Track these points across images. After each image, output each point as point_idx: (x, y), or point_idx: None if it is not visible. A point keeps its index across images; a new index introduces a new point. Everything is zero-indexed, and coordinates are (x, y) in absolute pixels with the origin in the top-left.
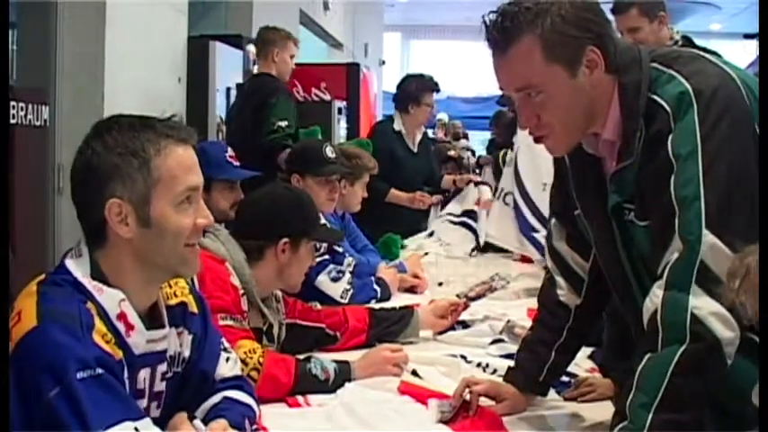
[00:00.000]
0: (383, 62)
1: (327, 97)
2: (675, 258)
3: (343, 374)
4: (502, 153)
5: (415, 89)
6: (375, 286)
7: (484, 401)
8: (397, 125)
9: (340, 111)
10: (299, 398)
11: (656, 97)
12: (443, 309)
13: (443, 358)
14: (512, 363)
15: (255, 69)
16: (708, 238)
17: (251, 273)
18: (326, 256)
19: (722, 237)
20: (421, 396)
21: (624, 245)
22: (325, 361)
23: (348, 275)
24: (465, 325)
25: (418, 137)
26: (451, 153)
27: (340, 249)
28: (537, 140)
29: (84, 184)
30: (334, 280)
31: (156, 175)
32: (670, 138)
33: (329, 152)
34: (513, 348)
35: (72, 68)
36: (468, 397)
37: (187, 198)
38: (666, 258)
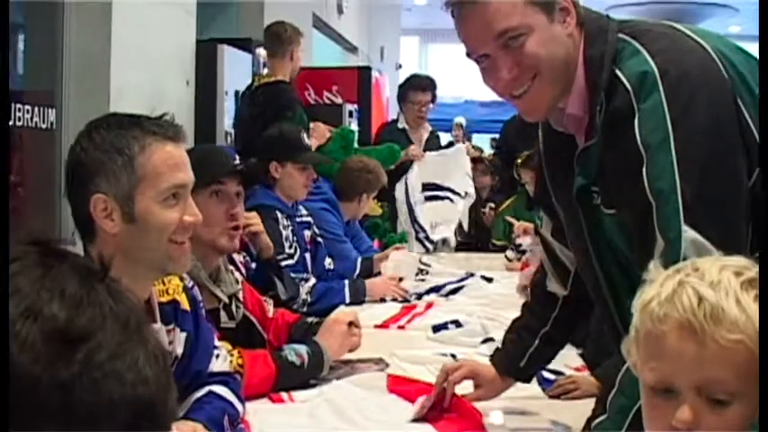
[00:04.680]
0: (400, 66)
1: (339, 100)
2: (658, 258)
3: (316, 355)
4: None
5: (402, 89)
6: (346, 290)
7: (464, 388)
8: (401, 123)
9: (351, 114)
10: (283, 394)
11: (618, 72)
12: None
13: (433, 357)
14: None
15: (266, 71)
16: (688, 233)
17: (193, 257)
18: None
19: (702, 230)
20: (409, 394)
21: (590, 231)
22: (296, 346)
23: (309, 285)
24: (458, 324)
25: (424, 135)
26: (485, 154)
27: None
28: (514, 99)
29: (72, 180)
30: None
31: (141, 172)
32: (636, 123)
33: (306, 139)
34: None
35: (78, 71)
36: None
37: (173, 195)
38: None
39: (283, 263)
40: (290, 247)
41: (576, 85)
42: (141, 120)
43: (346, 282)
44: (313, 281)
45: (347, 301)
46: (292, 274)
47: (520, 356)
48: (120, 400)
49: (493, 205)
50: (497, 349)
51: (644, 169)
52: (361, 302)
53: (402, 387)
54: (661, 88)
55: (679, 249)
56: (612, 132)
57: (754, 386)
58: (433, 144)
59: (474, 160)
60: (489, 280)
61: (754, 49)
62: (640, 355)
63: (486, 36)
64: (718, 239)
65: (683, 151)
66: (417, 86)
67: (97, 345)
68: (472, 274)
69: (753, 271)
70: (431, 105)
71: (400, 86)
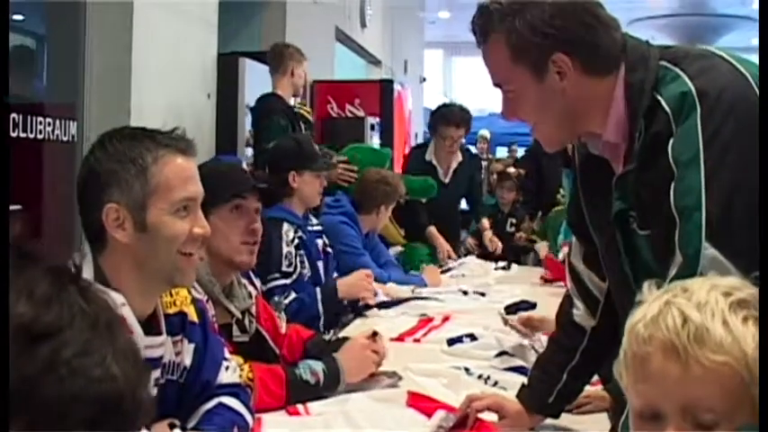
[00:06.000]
0: (424, 79)
1: (361, 113)
2: (674, 274)
3: (332, 372)
4: None
5: (433, 119)
6: (318, 298)
7: (488, 416)
8: (429, 155)
9: (373, 127)
10: (300, 406)
11: (658, 97)
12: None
13: (446, 370)
14: (514, 376)
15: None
16: (708, 251)
17: (207, 271)
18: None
19: (724, 249)
20: (428, 409)
21: (627, 254)
22: (312, 363)
23: (286, 301)
24: (473, 338)
25: (453, 165)
26: (511, 170)
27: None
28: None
29: (85, 189)
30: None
31: (154, 182)
32: (671, 142)
33: (317, 147)
34: (518, 362)
35: (100, 84)
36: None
37: (184, 207)
38: (669, 275)
39: (274, 282)
40: (289, 265)
41: (614, 114)
42: (154, 132)
43: (318, 290)
44: (293, 295)
45: (320, 310)
46: (276, 298)
47: (548, 394)
48: (85, 396)
49: (514, 221)
50: (523, 386)
51: (672, 185)
52: (338, 308)
53: (422, 403)
54: (698, 108)
55: (696, 266)
56: (650, 155)
57: (741, 409)
58: (460, 174)
59: (501, 177)
60: (482, 294)
61: None
62: (628, 378)
63: (491, 77)
64: (741, 260)
65: (712, 170)
66: (450, 121)
67: (64, 342)
68: (465, 292)
69: (744, 292)
70: (463, 140)
71: (432, 114)
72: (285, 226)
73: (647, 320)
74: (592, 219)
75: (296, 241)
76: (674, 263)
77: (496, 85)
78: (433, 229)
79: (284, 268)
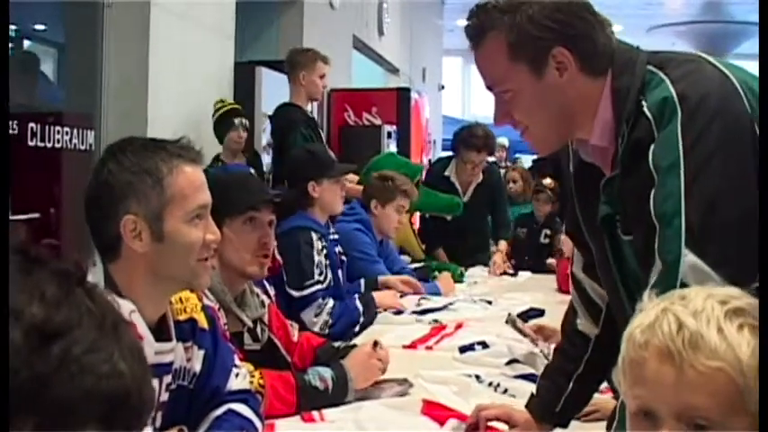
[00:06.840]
0: (442, 87)
1: (378, 122)
2: (654, 281)
3: (341, 380)
4: None
5: (456, 141)
6: (357, 303)
7: (498, 425)
8: (449, 171)
9: (390, 135)
10: (315, 413)
11: (643, 102)
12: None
13: (457, 378)
14: (524, 383)
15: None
16: (688, 257)
17: (219, 280)
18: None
19: (704, 256)
20: (442, 418)
21: (615, 259)
22: (321, 370)
23: (329, 306)
24: (485, 345)
25: (473, 186)
26: (547, 182)
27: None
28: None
29: (99, 201)
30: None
31: (170, 192)
32: (652, 148)
33: (331, 153)
34: (528, 369)
35: (117, 94)
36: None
37: (198, 215)
38: (650, 281)
39: (313, 288)
40: (320, 273)
41: (600, 118)
42: (164, 143)
43: (356, 296)
44: (332, 302)
45: (361, 312)
46: (320, 300)
47: (555, 402)
48: (95, 392)
49: (549, 232)
50: (532, 395)
51: (652, 191)
52: (374, 315)
53: (436, 411)
54: (679, 113)
55: (677, 273)
56: (632, 161)
57: (734, 414)
58: (481, 193)
59: (537, 190)
60: (489, 302)
61: None
62: (625, 383)
63: (484, 82)
64: (724, 268)
65: (692, 176)
66: (472, 146)
67: (74, 341)
68: (474, 301)
69: (742, 301)
70: (486, 163)
71: (455, 135)
72: (313, 235)
73: (644, 327)
74: (586, 226)
75: (324, 251)
76: (655, 269)
77: (489, 87)
78: (441, 252)
79: (317, 276)
